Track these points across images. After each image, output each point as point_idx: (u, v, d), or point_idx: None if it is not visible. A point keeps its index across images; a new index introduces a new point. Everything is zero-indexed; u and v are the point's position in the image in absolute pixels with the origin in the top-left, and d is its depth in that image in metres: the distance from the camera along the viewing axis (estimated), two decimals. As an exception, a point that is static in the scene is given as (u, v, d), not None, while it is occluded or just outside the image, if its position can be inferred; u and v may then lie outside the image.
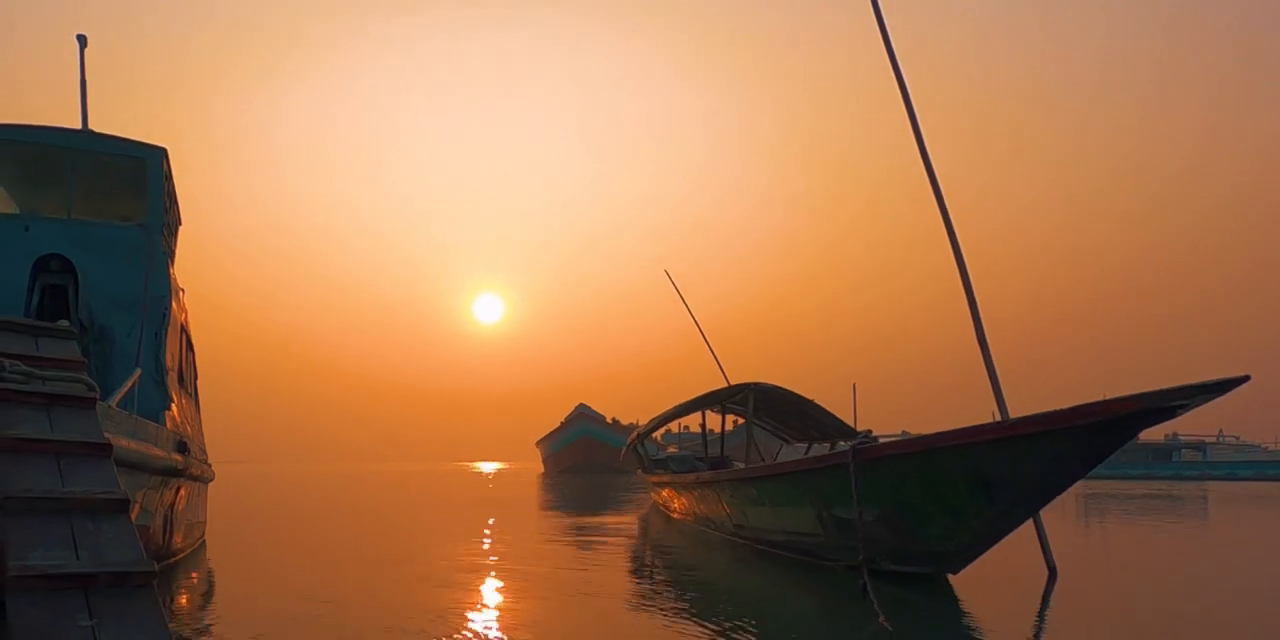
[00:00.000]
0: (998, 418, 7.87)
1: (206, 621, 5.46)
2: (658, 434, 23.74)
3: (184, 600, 6.31)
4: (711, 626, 5.44)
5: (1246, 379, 5.23)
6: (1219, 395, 5.39)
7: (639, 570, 8.19)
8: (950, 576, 7.23)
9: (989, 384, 8.48)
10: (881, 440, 7.67)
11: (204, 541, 10.21)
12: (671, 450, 27.37)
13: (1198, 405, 5.54)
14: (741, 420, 15.80)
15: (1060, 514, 15.33)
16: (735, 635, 5.12)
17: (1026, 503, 6.59)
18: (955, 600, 6.52)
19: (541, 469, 54.63)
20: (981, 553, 6.99)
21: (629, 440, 19.48)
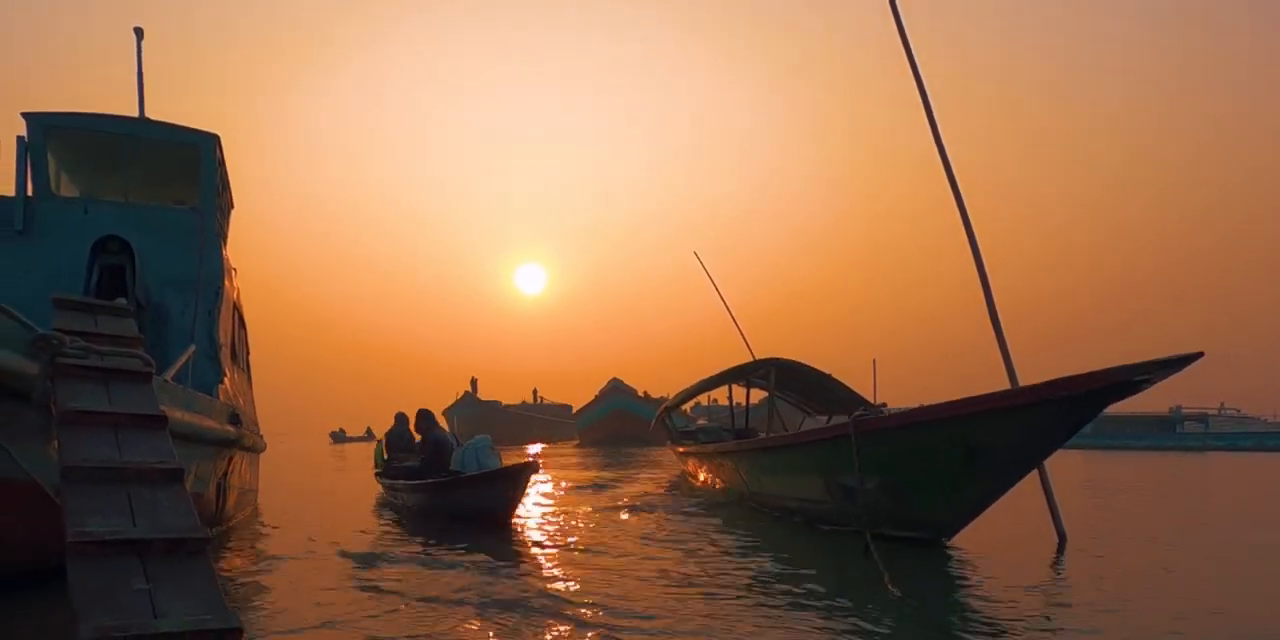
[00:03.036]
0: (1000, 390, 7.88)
1: (258, 586, 5.48)
2: (687, 407, 23.73)
3: (236, 565, 6.34)
4: (727, 584, 5.46)
5: (1200, 355, 5.55)
6: (1177, 370, 5.67)
7: (659, 536, 8.18)
8: (968, 541, 7.22)
9: (1002, 360, 8.44)
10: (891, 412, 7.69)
11: (256, 508, 10.25)
12: (701, 422, 27.31)
13: (1160, 379, 5.81)
14: (767, 394, 15.77)
15: (1069, 484, 15.25)
16: (751, 594, 5.13)
17: (1011, 469, 6.69)
18: (972, 563, 6.50)
19: (577, 440, 54.90)
20: (973, 518, 7.04)
21: (658, 413, 19.48)
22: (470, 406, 52.11)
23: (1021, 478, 6.82)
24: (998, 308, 8.64)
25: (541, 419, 57.87)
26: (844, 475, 7.56)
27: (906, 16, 9.60)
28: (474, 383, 55.03)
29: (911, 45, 9.51)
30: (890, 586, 5.17)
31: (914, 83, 9.45)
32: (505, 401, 59.18)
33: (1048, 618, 4.75)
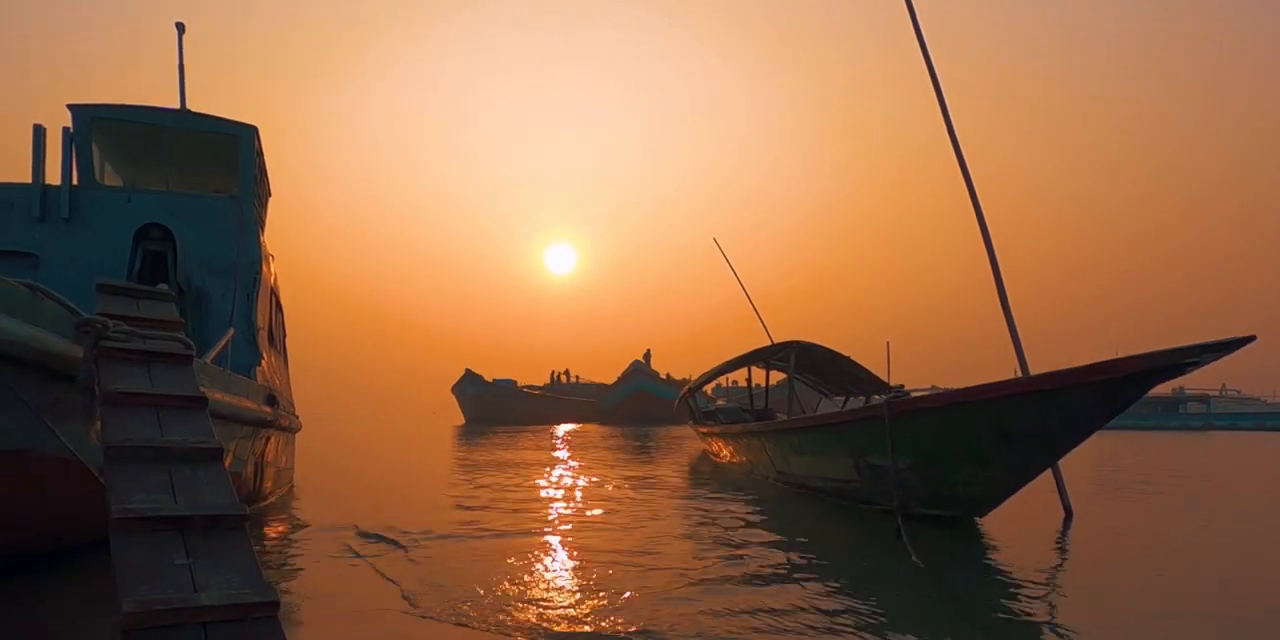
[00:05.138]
0: (1019, 374, 7.85)
1: (294, 559, 5.49)
2: (708, 388, 23.83)
3: (273, 540, 6.35)
4: (758, 562, 5.43)
5: (1252, 339, 5.24)
6: (1226, 354, 5.37)
7: (682, 510, 8.20)
8: (977, 519, 7.22)
9: (1011, 343, 8.42)
10: (913, 394, 7.64)
11: (292, 486, 10.29)
12: (720, 403, 27.36)
13: (1206, 363, 5.52)
14: (785, 375, 15.78)
15: (1075, 461, 15.20)
16: (779, 569, 5.10)
17: (1047, 452, 6.54)
18: (981, 539, 6.48)
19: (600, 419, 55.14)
20: (1006, 498, 6.97)
21: (681, 394, 19.52)
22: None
23: (1058, 459, 6.74)
24: (1007, 291, 8.62)
25: (569, 400, 58.45)
26: (873, 455, 7.53)
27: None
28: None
29: (922, 29, 9.48)
30: (918, 562, 5.15)
31: (926, 70, 9.42)
32: (532, 382, 60.91)
33: (1059, 590, 4.74)
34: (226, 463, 3.65)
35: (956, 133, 9.15)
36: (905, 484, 7.04)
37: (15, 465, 4.21)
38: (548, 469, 13.84)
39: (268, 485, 8.30)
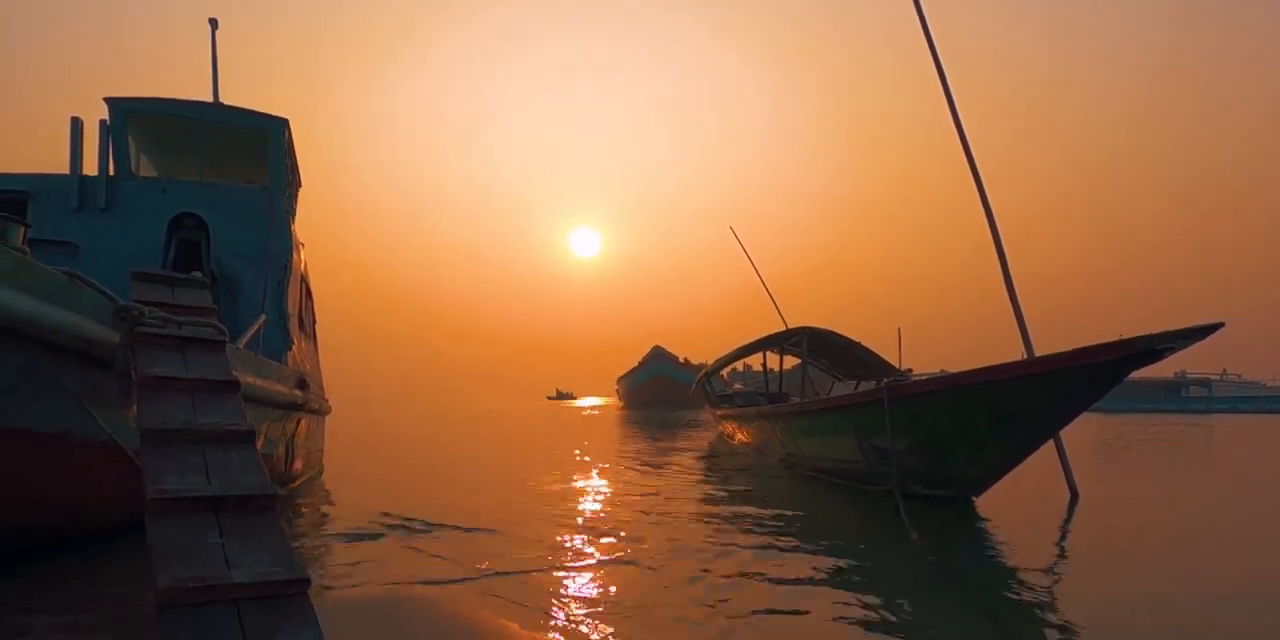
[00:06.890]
0: (1026, 358, 7.85)
1: (323, 539, 5.51)
2: (724, 372, 23.80)
3: (304, 519, 6.37)
4: (766, 537, 5.43)
5: (1221, 326, 5.44)
6: (1199, 340, 5.57)
7: (697, 489, 8.23)
8: (982, 499, 7.21)
9: (1018, 328, 8.41)
10: (918, 378, 7.67)
11: (322, 468, 10.32)
12: (737, 387, 27.32)
13: (1181, 348, 5.68)
14: (799, 360, 15.76)
15: (1081, 443, 15.14)
16: (787, 546, 5.10)
17: (1038, 433, 6.62)
18: (987, 520, 6.47)
19: (621, 403, 55.15)
20: (1000, 477, 7.01)
21: (698, 378, 19.51)
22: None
23: (1047, 439, 6.78)
24: (1013, 278, 8.60)
25: None
26: (877, 437, 7.57)
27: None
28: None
29: (930, 29, 9.44)
30: (915, 538, 5.15)
31: (932, 70, 9.38)
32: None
33: (1058, 570, 4.73)
34: (258, 445, 3.66)
35: (964, 127, 9.12)
36: (905, 465, 7.10)
37: (55, 448, 4.23)
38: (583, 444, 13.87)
39: (298, 467, 8.34)
